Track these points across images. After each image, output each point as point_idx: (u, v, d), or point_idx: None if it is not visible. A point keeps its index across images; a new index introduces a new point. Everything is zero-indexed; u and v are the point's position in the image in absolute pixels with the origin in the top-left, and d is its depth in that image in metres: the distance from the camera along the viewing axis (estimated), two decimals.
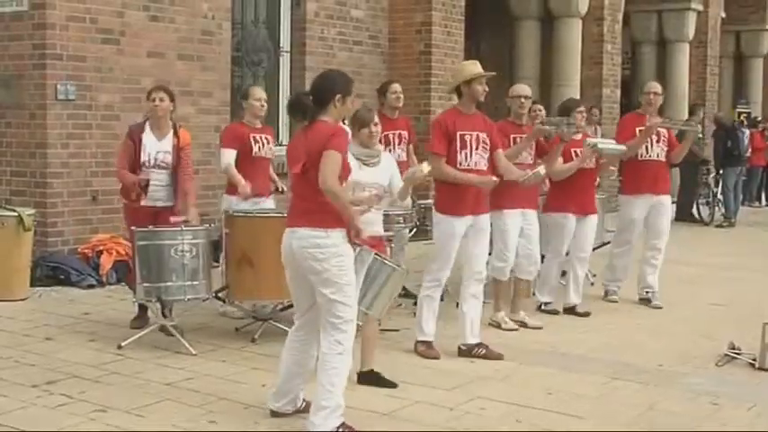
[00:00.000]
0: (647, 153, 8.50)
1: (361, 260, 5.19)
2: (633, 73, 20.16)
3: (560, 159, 7.82)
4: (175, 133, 7.06)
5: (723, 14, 21.04)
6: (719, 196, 16.49)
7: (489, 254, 7.11)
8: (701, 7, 19.62)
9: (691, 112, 15.80)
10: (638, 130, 8.43)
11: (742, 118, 17.42)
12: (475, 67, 6.60)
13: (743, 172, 16.64)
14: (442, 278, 6.61)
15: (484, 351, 6.52)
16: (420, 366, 6.23)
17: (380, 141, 6.43)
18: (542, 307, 8.11)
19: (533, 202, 7.59)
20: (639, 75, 19.76)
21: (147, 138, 6.98)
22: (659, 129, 8.49)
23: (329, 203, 4.68)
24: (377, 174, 5.85)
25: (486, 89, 6.60)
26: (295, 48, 11.73)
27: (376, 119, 5.83)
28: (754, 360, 6.38)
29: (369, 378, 5.75)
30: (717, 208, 16.30)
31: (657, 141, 8.53)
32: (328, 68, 5.15)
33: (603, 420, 5.20)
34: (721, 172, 16.15)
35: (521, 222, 7.40)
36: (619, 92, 17.19)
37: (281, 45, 11.76)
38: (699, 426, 5.18)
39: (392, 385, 5.71)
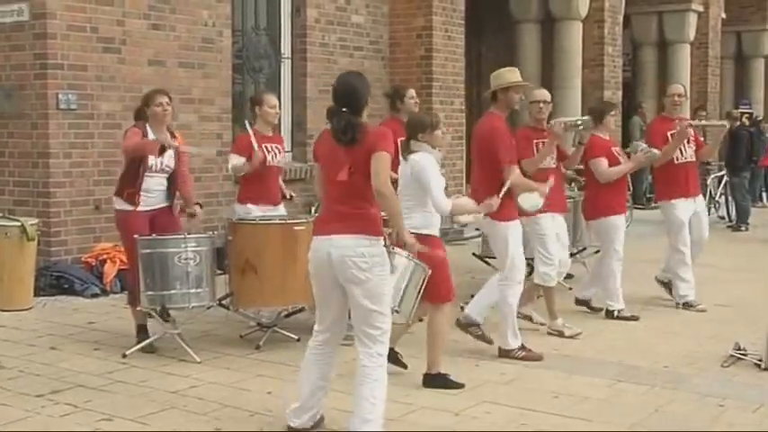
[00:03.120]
0: (683, 156, 8.46)
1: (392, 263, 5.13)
2: (634, 75, 20.16)
3: (605, 162, 7.83)
4: (173, 136, 6.97)
5: (724, 15, 21.02)
6: (718, 198, 16.45)
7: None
8: (701, 8, 19.61)
9: (692, 116, 15.79)
10: (669, 134, 8.38)
11: (744, 119, 17.35)
12: (513, 75, 6.65)
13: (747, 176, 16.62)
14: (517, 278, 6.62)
15: (480, 332, 6.64)
16: (423, 371, 6.21)
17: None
18: (616, 314, 7.97)
19: (564, 205, 7.59)
20: (640, 76, 19.78)
21: None
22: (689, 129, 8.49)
23: (373, 210, 4.59)
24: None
25: (523, 98, 6.72)
26: (296, 54, 11.73)
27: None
28: (760, 361, 6.36)
29: (436, 381, 5.84)
30: (713, 210, 16.26)
31: (688, 143, 8.51)
32: (344, 73, 4.98)
33: (609, 423, 5.19)
34: (729, 174, 16.07)
35: (554, 226, 7.36)
36: (620, 94, 17.18)
37: (281, 52, 11.76)
38: (705, 428, 5.17)
39: (459, 386, 5.81)
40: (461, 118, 13.33)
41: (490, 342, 6.68)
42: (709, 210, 16.01)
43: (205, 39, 10.33)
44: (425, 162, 5.69)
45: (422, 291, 5.52)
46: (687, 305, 8.46)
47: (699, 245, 8.71)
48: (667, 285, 8.79)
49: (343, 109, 4.65)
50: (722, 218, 16.31)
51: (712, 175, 16.62)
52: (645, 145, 8.18)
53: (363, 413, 4.58)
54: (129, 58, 9.57)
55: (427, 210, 5.74)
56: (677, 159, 8.40)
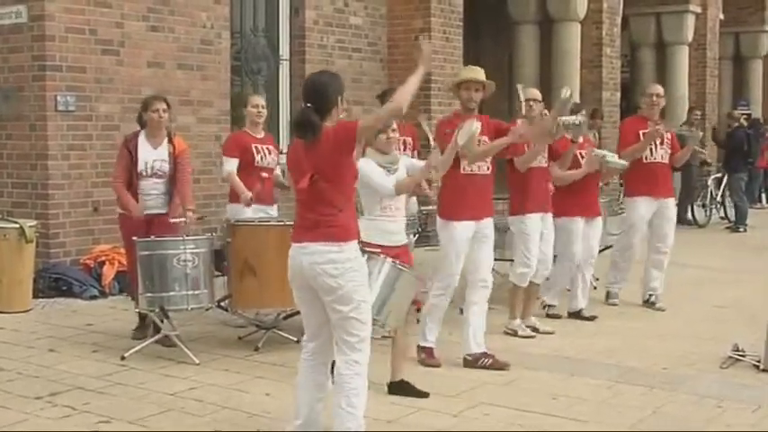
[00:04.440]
0: (652, 155, 8.52)
1: (370, 266, 5.06)
2: (632, 76, 20.17)
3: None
4: (170, 141, 7.09)
5: (722, 16, 21.05)
6: (718, 199, 16.46)
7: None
8: (699, 9, 19.64)
9: (688, 115, 15.83)
10: (641, 133, 8.42)
11: (742, 120, 17.37)
12: (467, 73, 6.62)
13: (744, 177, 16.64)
14: (450, 285, 6.50)
15: (490, 361, 6.38)
16: (423, 373, 6.21)
17: None
18: (547, 310, 8.05)
19: (549, 205, 7.54)
20: (639, 77, 19.78)
21: (143, 147, 7.00)
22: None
23: (342, 216, 4.47)
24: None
25: (474, 96, 6.46)
26: (294, 56, 11.74)
27: (394, 124, 5.78)
28: (759, 362, 6.36)
29: (399, 388, 5.68)
30: (715, 210, 16.28)
31: (661, 144, 8.55)
32: (315, 72, 4.82)
33: (608, 424, 5.19)
34: (726, 174, 16.07)
35: (541, 227, 7.33)
36: (619, 95, 17.20)
37: (280, 53, 11.77)
38: (703, 428, 5.17)
39: (424, 395, 5.63)
40: None
41: (506, 366, 6.38)
42: (710, 210, 16.09)
43: (204, 40, 10.33)
44: (364, 166, 5.45)
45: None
46: (608, 296, 8.72)
47: (661, 248, 8.71)
48: (650, 303, 8.68)
49: (308, 104, 4.49)
50: (723, 218, 16.34)
51: (712, 176, 16.62)
52: (604, 152, 8.21)
53: (340, 423, 4.49)
54: (127, 60, 9.58)
55: (371, 215, 5.63)
56: (646, 158, 8.50)
